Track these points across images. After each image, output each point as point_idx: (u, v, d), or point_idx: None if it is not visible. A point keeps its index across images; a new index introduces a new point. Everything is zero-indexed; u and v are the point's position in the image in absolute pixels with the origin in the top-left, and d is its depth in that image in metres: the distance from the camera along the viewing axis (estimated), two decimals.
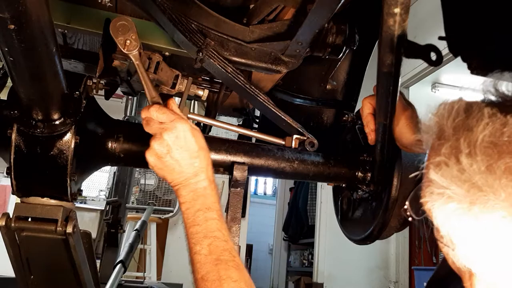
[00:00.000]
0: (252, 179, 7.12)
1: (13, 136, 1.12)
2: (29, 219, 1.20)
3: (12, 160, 1.14)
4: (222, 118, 1.88)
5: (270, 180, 8.80)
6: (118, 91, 1.46)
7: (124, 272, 2.58)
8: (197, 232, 0.94)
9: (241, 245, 1.40)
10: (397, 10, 0.79)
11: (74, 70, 1.45)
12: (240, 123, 2.02)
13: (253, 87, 1.26)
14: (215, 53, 1.17)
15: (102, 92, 1.38)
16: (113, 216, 2.96)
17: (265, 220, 7.91)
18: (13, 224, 1.18)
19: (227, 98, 1.65)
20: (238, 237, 1.33)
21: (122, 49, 1.00)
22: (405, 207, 0.79)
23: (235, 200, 1.38)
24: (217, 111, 1.66)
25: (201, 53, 1.13)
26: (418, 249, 5.10)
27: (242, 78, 1.23)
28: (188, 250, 0.95)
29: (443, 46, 1.08)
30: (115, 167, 3.41)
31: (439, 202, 0.66)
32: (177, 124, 0.98)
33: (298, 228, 6.41)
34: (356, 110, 1.54)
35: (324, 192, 5.28)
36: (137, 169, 4.54)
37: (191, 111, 1.30)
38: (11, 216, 1.19)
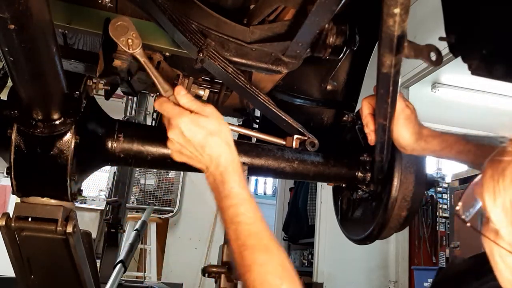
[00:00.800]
0: (252, 179, 7.13)
1: (13, 136, 1.12)
2: (29, 219, 1.20)
3: (12, 160, 1.14)
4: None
5: (270, 180, 8.79)
6: (118, 91, 1.46)
7: (124, 272, 2.58)
8: (225, 219, 0.95)
9: None
10: (397, 11, 0.79)
11: (74, 70, 1.45)
12: (240, 123, 2.02)
13: (253, 88, 1.26)
14: (215, 53, 1.16)
15: (102, 92, 1.38)
16: (113, 216, 2.96)
17: (265, 220, 7.89)
18: (13, 224, 1.18)
19: (227, 98, 1.65)
20: None
21: (126, 50, 1.00)
22: (457, 208, 0.77)
23: None
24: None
25: (201, 54, 1.13)
26: (417, 249, 5.11)
27: (243, 79, 1.23)
28: None
29: (443, 46, 1.08)
30: (115, 167, 3.41)
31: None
32: (177, 121, 0.98)
33: (298, 228, 6.41)
34: (356, 110, 1.54)
35: (324, 192, 5.28)
36: (137, 169, 4.54)
37: None
38: (11, 216, 1.19)
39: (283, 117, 1.33)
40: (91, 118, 1.26)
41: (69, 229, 1.19)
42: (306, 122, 1.59)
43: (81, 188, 1.35)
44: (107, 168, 5.06)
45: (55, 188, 1.21)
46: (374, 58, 1.03)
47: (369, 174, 1.48)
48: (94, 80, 1.27)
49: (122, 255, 2.64)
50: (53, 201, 1.22)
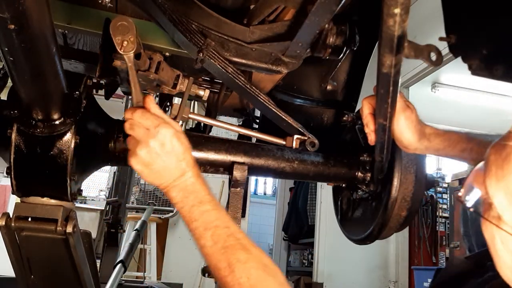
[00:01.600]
0: (252, 179, 7.12)
1: (13, 136, 1.12)
2: (29, 219, 1.20)
3: (12, 160, 1.14)
4: (223, 118, 1.88)
5: (270, 180, 8.79)
6: (118, 91, 1.46)
7: (124, 272, 2.57)
8: (196, 227, 0.94)
9: None
10: (397, 11, 0.79)
11: (74, 70, 1.45)
12: (240, 123, 2.02)
13: (253, 88, 1.26)
14: (215, 53, 1.16)
15: (102, 92, 1.38)
16: (113, 216, 2.96)
17: (265, 220, 7.91)
18: (13, 224, 1.18)
19: (227, 99, 1.65)
20: None
21: (118, 49, 0.99)
22: (459, 194, 0.77)
23: (235, 200, 1.38)
24: (218, 111, 1.66)
25: (201, 54, 1.13)
26: (417, 249, 5.11)
27: (243, 79, 1.23)
28: (197, 247, 0.95)
29: (443, 46, 1.08)
30: (115, 167, 3.41)
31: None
32: (162, 130, 0.96)
33: (298, 228, 6.41)
34: (356, 110, 1.54)
35: (324, 192, 5.28)
36: None
37: (192, 111, 1.30)
38: (11, 216, 1.19)
39: (283, 117, 1.33)
40: (91, 118, 1.26)
41: (69, 229, 1.19)
42: (306, 122, 1.59)
43: (81, 188, 1.35)
44: (107, 168, 5.06)
45: (55, 188, 1.21)
46: (374, 58, 1.03)
47: (369, 174, 1.48)
48: (94, 80, 1.27)
49: (122, 255, 2.64)
50: (53, 201, 1.22)
